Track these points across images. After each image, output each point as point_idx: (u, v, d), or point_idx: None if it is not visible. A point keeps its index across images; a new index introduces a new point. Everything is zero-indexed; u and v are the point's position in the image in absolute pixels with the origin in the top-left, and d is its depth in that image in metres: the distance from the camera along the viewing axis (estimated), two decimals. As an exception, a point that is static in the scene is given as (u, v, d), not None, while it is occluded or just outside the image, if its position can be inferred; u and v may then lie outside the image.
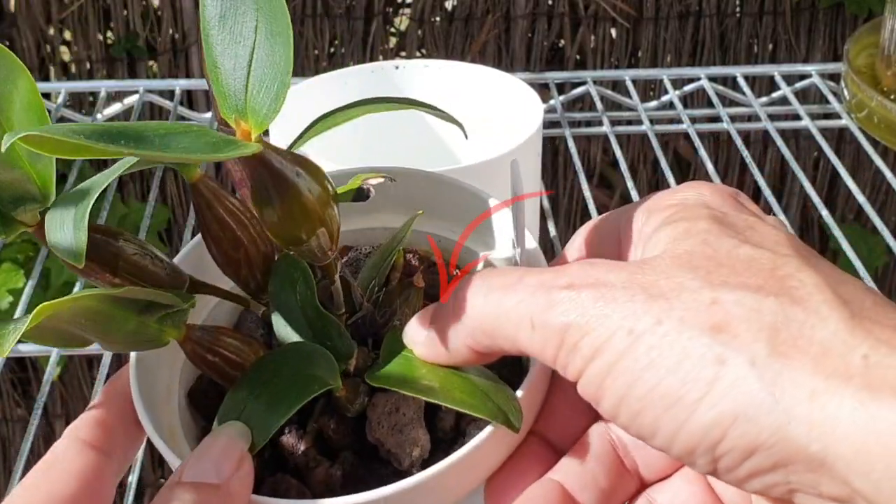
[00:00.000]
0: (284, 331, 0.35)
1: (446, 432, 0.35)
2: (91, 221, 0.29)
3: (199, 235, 0.38)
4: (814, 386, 0.25)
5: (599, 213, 0.41)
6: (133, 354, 0.35)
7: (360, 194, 0.36)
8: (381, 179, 0.38)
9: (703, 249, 0.29)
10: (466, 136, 0.37)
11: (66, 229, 0.28)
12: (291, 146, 0.33)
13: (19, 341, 0.69)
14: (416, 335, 0.34)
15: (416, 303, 0.37)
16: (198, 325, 0.34)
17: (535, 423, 0.35)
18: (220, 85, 0.31)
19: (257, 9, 0.31)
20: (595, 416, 0.35)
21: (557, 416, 0.35)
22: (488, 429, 0.32)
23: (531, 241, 0.38)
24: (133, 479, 0.56)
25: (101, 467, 0.34)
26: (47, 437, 1.26)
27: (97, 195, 0.28)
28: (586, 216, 1.22)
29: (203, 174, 0.34)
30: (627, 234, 0.33)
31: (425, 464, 0.34)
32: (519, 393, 0.33)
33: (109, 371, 0.59)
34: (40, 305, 0.28)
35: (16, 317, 0.30)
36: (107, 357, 0.61)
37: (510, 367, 0.37)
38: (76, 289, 0.66)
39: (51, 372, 0.60)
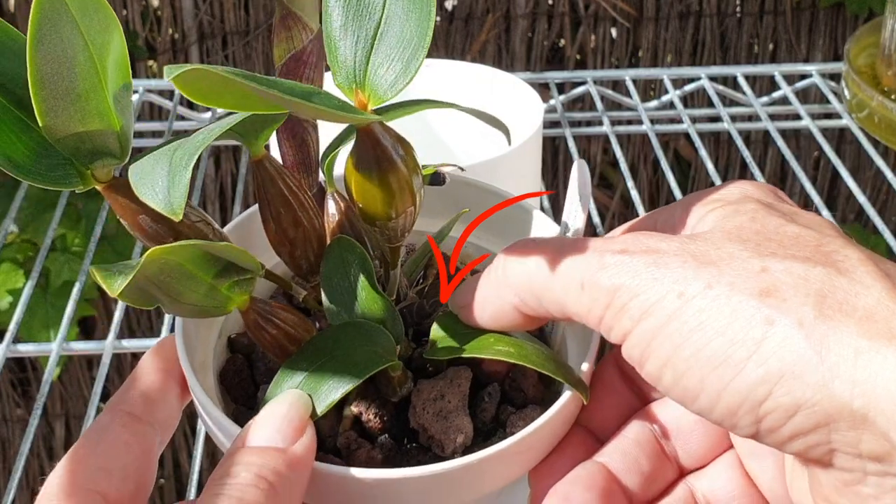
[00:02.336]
0: (336, 313, 0.35)
1: (486, 422, 0.36)
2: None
3: (246, 211, 0.40)
4: (858, 345, 0.26)
5: (600, 213, 0.41)
6: (178, 328, 0.36)
7: (436, 179, 0.38)
8: (453, 167, 0.39)
9: (751, 225, 0.30)
10: (510, 143, 0.37)
11: (159, 183, 0.28)
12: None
13: (19, 342, 0.69)
14: (463, 298, 0.34)
15: None
16: (259, 298, 0.35)
17: (579, 413, 0.36)
18: (337, 55, 0.32)
19: None
20: (636, 408, 0.36)
21: (600, 407, 0.36)
22: (565, 395, 0.33)
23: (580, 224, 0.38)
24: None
25: (148, 438, 0.34)
26: (47, 438, 1.26)
27: (199, 152, 0.29)
28: (586, 216, 1.22)
29: (267, 152, 0.34)
30: (669, 228, 0.34)
31: (466, 451, 0.35)
32: (584, 366, 0.34)
33: (109, 371, 0.59)
34: (151, 250, 0.29)
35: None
36: (106, 357, 0.61)
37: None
38: (76, 289, 0.66)
39: (50, 372, 0.60)
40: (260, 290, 0.41)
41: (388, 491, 0.32)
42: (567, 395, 0.33)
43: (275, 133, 0.36)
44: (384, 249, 0.36)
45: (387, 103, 0.31)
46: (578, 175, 0.36)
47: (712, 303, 0.28)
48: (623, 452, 0.34)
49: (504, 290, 0.33)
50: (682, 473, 0.35)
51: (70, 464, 0.33)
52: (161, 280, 0.31)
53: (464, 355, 0.34)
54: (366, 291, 0.35)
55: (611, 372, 0.37)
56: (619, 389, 0.36)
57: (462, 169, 0.40)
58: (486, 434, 0.36)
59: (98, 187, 0.32)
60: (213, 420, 0.34)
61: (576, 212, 0.37)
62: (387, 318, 0.35)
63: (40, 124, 0.30)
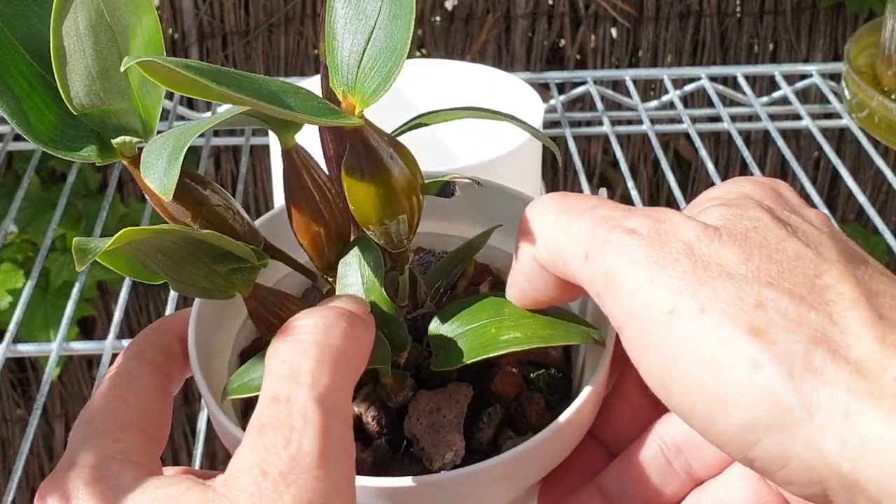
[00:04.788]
0: None
1: (482, 444, 0.35)
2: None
3: (279, 206, 0.39)
4: (847, 405, 0.25)
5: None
6: (196, 304, 0.36)
7: (445, 190, 0.37)
8: (468, 180, 0.38)
9: (755, 236, 0.29)
10: (559, 163, 0.37)
11: (160, 164, 0.29)
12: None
13: (19, 342, 0.68)
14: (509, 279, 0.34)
15: None
16: (265, 287, 0.35)
17: (592, 424, 0.35)
18: (336, 58, 0.32)
19: None
20: (651, 418, 0.35)
21: (614, 418, 0.35)
22: (582, 396, 0.33)
23: None
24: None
25: (167, 388, 0.35)
26: (47, 438, 1.26)
27: (196, 135, 0.29)
28: (586, 216, 1.22)
29: (297, 143, 0.34)
30: None
31: (455, 469, 0.34)
32: (588, 388, 0.34)
33: (109, 371, 0.59)
34: (124, 230, 0.29)
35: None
36: (106, 357, 0.61)
37: (561, 394, 0.37)
38: (76, 289, 0.66)
39: (50, 372, 0.60)
40: (296, 283, 0.41)
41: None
42: (540, 436, 0.32)
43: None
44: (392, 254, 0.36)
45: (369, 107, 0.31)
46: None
47: (702, 328, 0.27)
48: (622, 474, 0.34)
49: (528, 242, 0.32)
50: (696, 483, 0.35)
51: (110, 402, 0.33)
52: (159, 259, 0.32)
53: (468, 361, 0.33)
54: (374, 293, 0.35)
55: (630, 381, 0.36)
56: (636, 400, 0.35)
57: (479, 183, 0.39)
58: (482, 455, 0.35)
59: (124, 162, 0.33)
60: (205, 400, 0.35)
61: None
62: (392, 325, 0.34)
63: (64, 97, 0.31)
